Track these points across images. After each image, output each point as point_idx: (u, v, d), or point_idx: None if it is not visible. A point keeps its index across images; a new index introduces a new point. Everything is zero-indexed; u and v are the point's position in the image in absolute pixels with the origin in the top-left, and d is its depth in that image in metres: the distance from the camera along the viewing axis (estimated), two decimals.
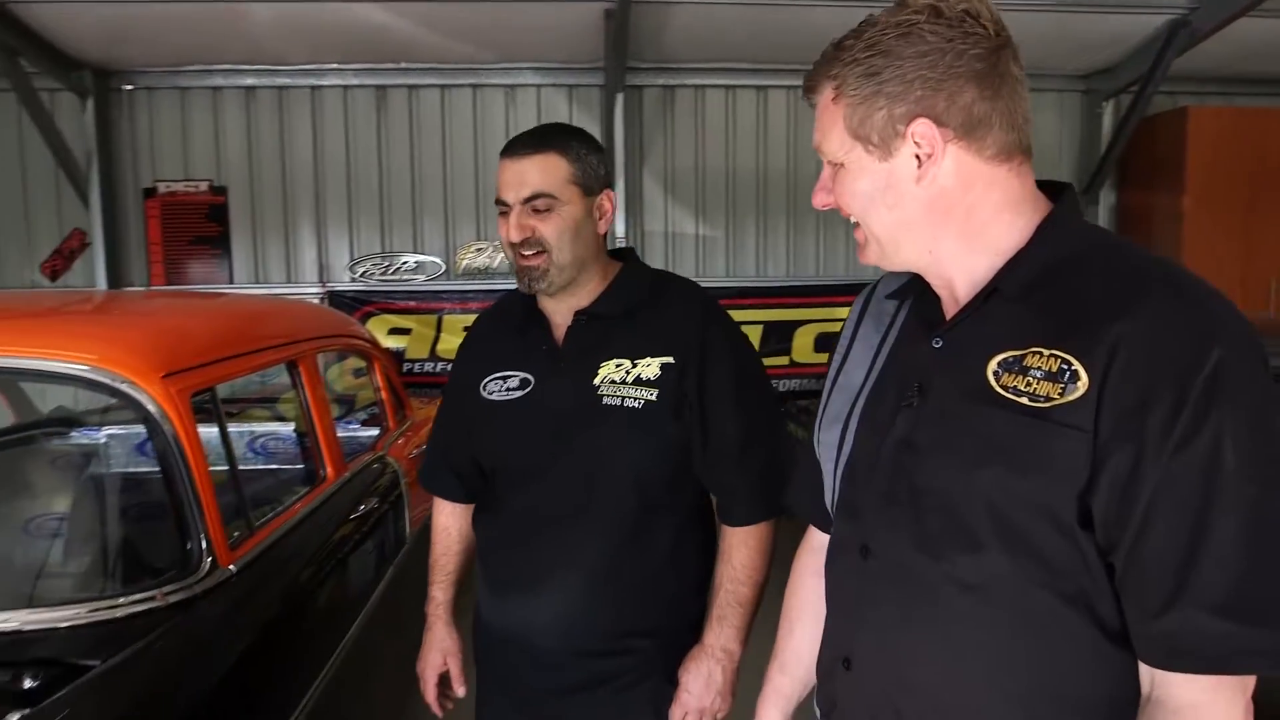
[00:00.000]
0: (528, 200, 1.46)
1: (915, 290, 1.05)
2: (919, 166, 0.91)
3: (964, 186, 0.92)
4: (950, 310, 0.98)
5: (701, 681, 1.51)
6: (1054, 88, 6.02)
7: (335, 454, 2.62)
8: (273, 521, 2.09)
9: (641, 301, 1.56)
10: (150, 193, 5.76)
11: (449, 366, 5.80)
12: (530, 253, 1.47)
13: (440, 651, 1.71)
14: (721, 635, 1.52)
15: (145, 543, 1.87)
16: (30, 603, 1.59)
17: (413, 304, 5.80)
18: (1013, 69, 0.91)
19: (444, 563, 1.75)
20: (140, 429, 1.90)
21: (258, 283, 5.80)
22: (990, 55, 0.89)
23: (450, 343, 5.80)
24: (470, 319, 5.71)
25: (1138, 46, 5.38)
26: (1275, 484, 0.80)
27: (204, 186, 5.77)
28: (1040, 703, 0.90)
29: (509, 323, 1.65)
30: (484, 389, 1.60)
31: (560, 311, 1.56)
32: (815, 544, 1.25)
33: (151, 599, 1.62)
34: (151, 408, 1.74)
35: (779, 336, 5.82)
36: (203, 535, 1.75)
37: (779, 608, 1.29)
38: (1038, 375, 0.86)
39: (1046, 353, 0.86)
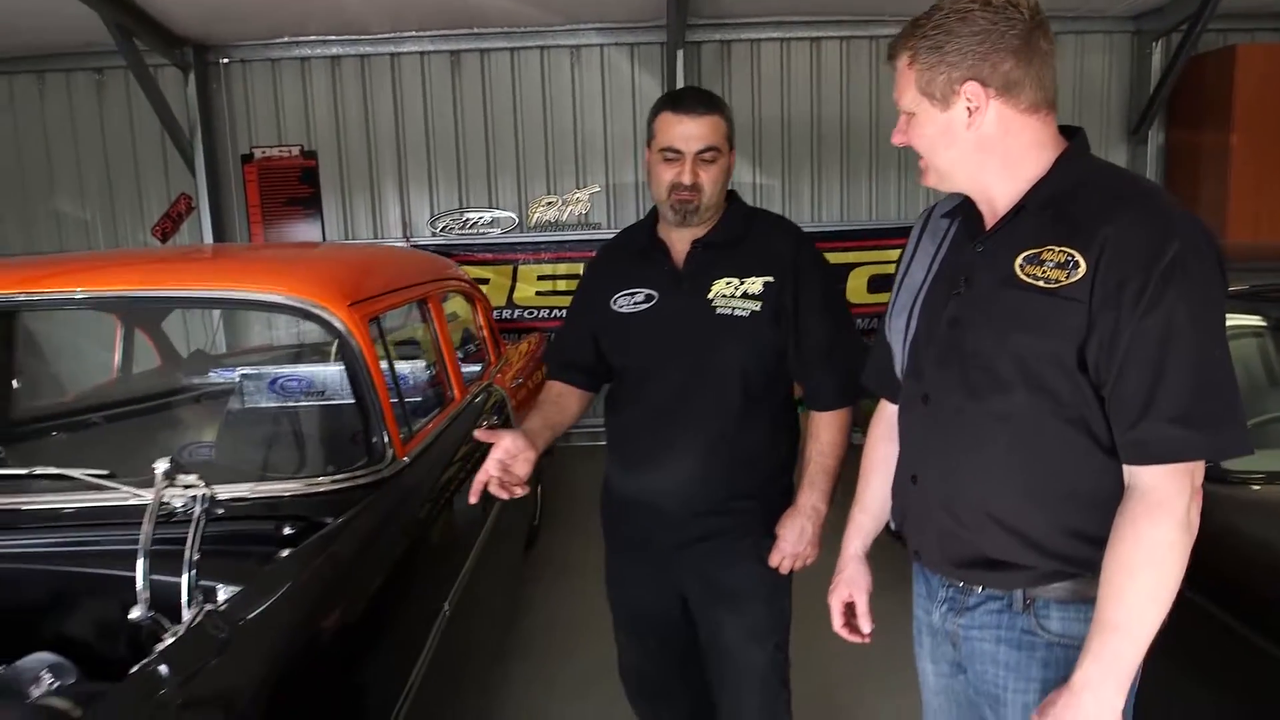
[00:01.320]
0: (699, 152, 1.85)
1: (963, 211, 1.41)
2: (969, 116, 1.27)
3: (1002, 131, 1.27)
4: (989, 223, 1.34)
5: (795, 533, 1.91)
6: (1103, 29, 6.16)
7: (459, 379, 3.05)
8: (424, 429, 2.53)
9: (745, 232, 1.94)
10: (248, 159, 6.24)
11: (524, 313, 6.24)
12: (688, 193, 1.85)
13: (515, 447, 1.79)
14: (812, 497, 1.91)
15: (344, 437, 2.31)
16: (263, 478, 2.03)
17: (489, 256, 6.22)
18: (1042, 44, 1.26)
19: (548, 410, 2.03)
20: (334, 348, 2.33)
21: (347, 240, 6.26)
22: (1025, 35, 1.24)
23: (525, 291, 6.22)
24: (543, 269, 6.15)
25: None
26: (1213, 339, 1.16)
27: (296, 151, 6.23)
28: (1054, 499, 1.28)
29: (632, 251, 2.04)
30: (613, 304, 1.99)
31: (682, 240, 1.95)
32: (885, 414, 1.63)
33: (354, 478, 2.06)
34: (342, 329, 2.18)
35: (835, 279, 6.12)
36: (385, 432, 2.19)
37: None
38: (1050, 265, 1.22)
39: (1057, 249, 1.22)
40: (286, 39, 6.01)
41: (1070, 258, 1.20)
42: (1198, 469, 1.17)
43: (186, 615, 1.49)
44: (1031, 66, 1.26)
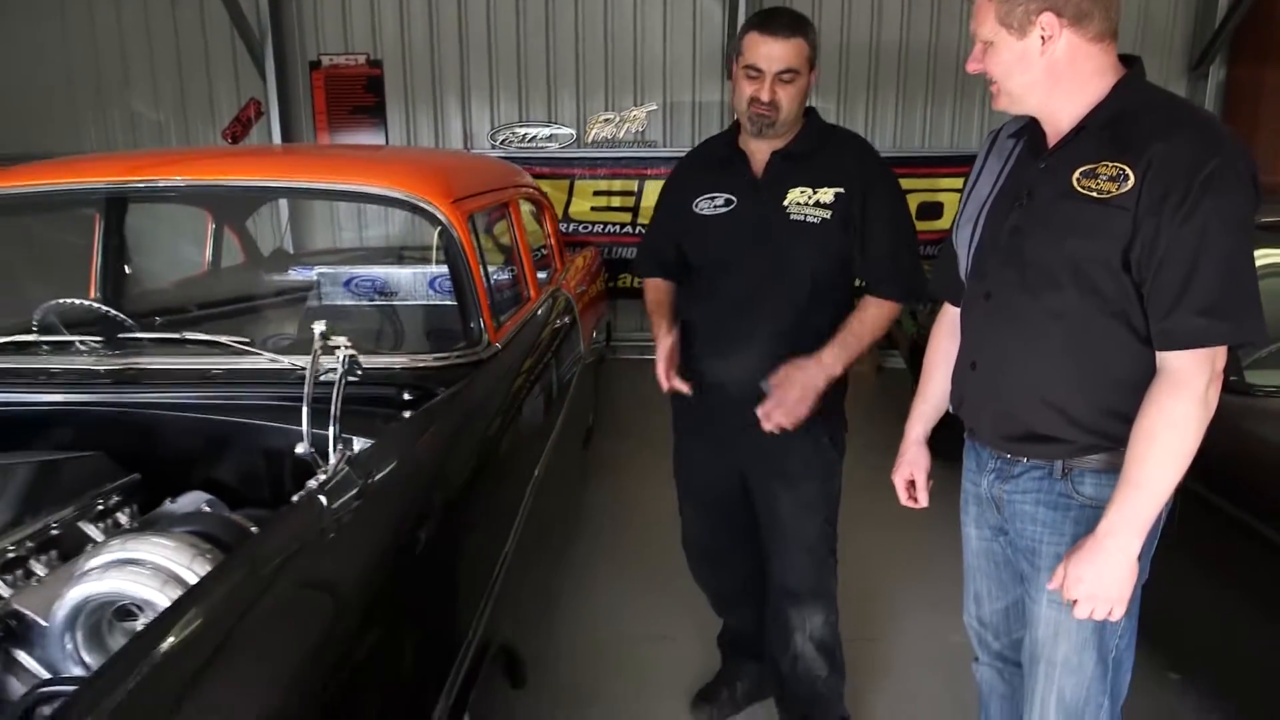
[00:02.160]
0: (779, 73, 2.02)
1: (1028, 132, 1.59)
2: (1043, 44, 1.44)
3: (1070, 58, 1.44)
4: (1052, 142, 1.52)
5: (797, 390, 2.03)
6: None
7: (535, 280, 3.28)
8: (509, 321, 2.77)
9: (820, 146, 2.12)
10: (315, 65, 6.42)
11: (579, 228, 6.42)
12: (766, 109, 2.03)
13: (670, 344, 2.18)
14: (832, 350, 2.06)
15: (448, 322, 2.55)
16: (381, 353, 2.29)
17: (547, 170, 6.38)
18: None
19: (666, 308, 2.31)
20: (438, 241, 2.56)
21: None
22: None
23: (581, 205, 6.40)
24: (599, 184, 6.31)
25: None
26: (1239, 246, 1.34)
27: (362, 60, 6.38)
28: (1095, 383, 1.48)
29: (712, 160, 2.23)
30: (695, 207, 2.20)
31: (761, 150, 2.13)
32: (947, 316, 1.83)
33: (457, 357, 2.31)
34: (445, 222, 2.40)
35: None
36: (480, 319, 2.43)
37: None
38: (1104, 178, 1.40)
39: (1110, 164, 1.40)
40: None
41: (1121, 171, 1.39)
42: (1219, 355, 1.37)
43: (333, 458, 1.75)
44: (1099, 1, 1.42)
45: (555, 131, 6.42)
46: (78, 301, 2.41)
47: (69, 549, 1.74)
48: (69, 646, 1.39)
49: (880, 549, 3.42)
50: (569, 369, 3.33)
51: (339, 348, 1.82)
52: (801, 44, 2.04)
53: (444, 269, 2.52)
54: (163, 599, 1.37)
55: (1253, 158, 1.39)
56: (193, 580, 1.40)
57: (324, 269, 3.62)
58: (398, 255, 4.55)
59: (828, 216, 2.07)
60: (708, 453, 2.33)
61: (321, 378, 1.86)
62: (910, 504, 1.89)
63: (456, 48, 6.32)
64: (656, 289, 2.38)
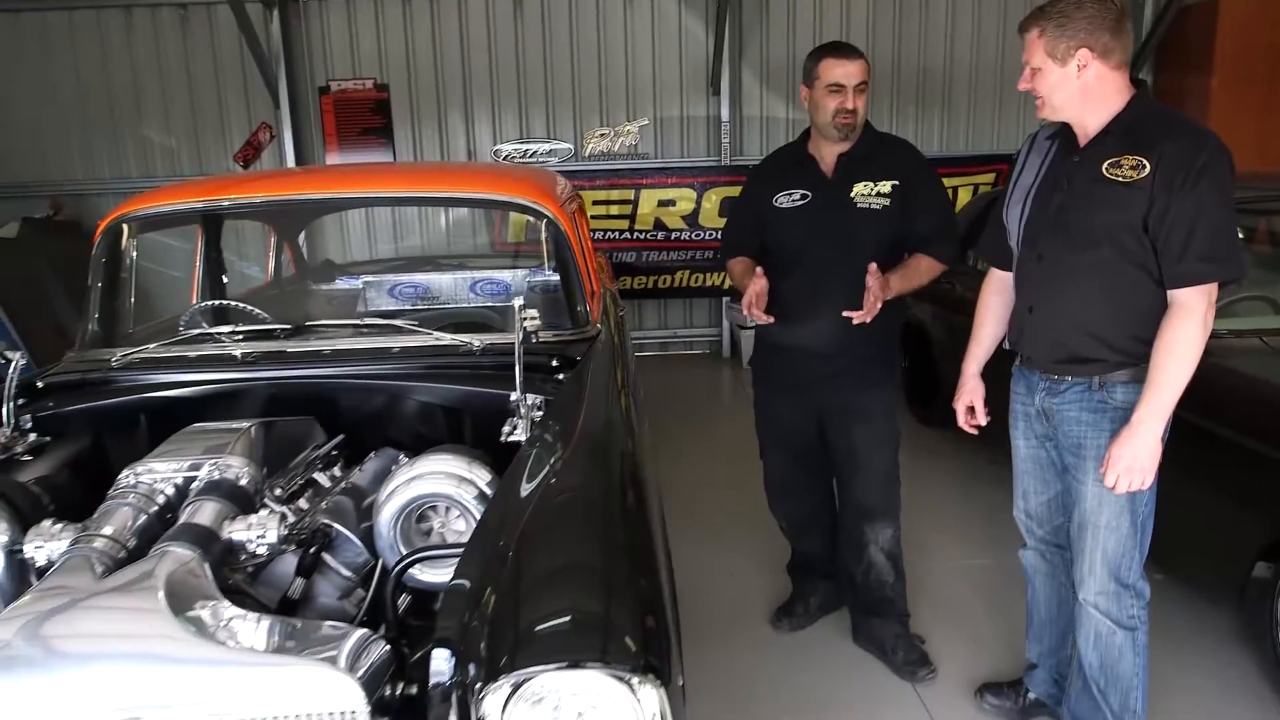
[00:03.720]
0: (856, 85, 2.56)
1: (1062, 136, 2.14)
2: (1079, 72, 1.98)
3: (1098, 82, 1.99)
4: (1082, 143, 2.07)
5: (876, 284, 2.48)
6: None
7: (596, 274, 3.76)
8: (594, 306, 3.24)
9: (877, 149, 2.67)
10: (324, 91, 6.78)
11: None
12: (849, 116, 2.56)
13: (762, 285, 2.58)
14: (895, 277, 2.55)
15: (556, 308, 3.00)
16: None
17: None
18: (1127, 25, 1.98)
19: (750, 265, 2.71)
20: (548, 236, 3.02)
21: None
22: (1117, 19, 1.96)
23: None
24: (597, 194, 6.80)
25: None
26: (1226, 212, 1.91)
27: (369, 84, 6.78)
28: (1124, 316, 2.03)
29: (787, 163, 2.76)
30: (775, 201, 2.71)
31: (829, 154, 2.66)
32: (995, 279, 2.37)
33: (576, 334, 2.77)
34: (555, 220, 2.86)
35: None
36: (587, 303, 2.90)
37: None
38: (1127, 167, 1.95)
39: (1131, 158, 1.95)
40: None
41: (1140, 162, 1.94)
42: (1212, 290, 1.93)
43: (523, 409, 2.20)
44: (1119, 39, 1.98)
45: (554, 147, 6.89)
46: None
47: (304, 492, 2.16)
48: (392, 541, 1.83)
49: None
50: (630, 352, 3.81)
51: (526, 319, 2.29)
52: (864, 62, 2.61)
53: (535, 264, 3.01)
54: (463, 494, 1.82)
55: (1227, 148, 1.96)
56: (477, 479, 1.85)
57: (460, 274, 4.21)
58: (513, 254, 5.03)
59: (887, 204, 2.61)
60: (790, 404, 2.84)
61: (481, 347, 2.36)
62: (969, 428, 2.43)
63: (460, 70, 6.76)
64: (740, 261, 2.85)
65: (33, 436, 2.25)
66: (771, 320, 2.62)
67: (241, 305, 2.83)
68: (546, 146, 6.89)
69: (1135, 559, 2.12)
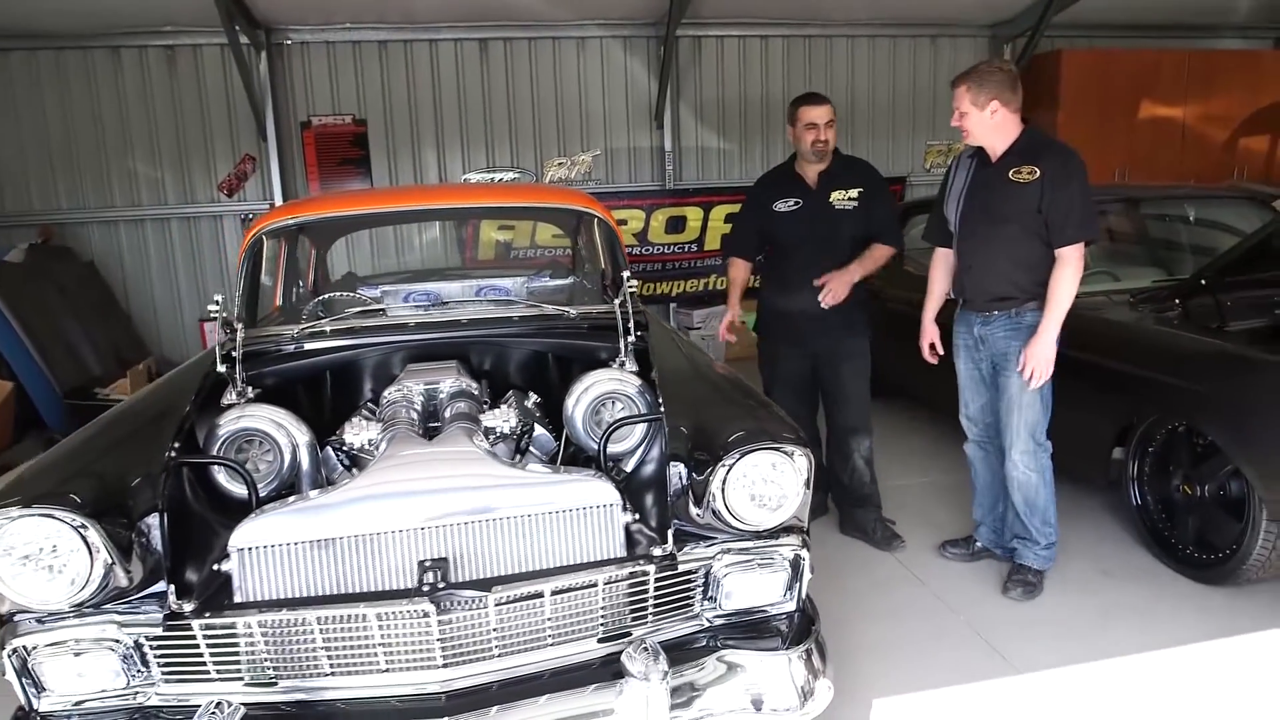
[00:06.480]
0: (826, 122, 3.60)
1: (979, 155, 3.24)
2: (991, 115, 3.08)
3: (1004, 121, 3.10)
4: (993, 159, 3.17)
5: (841, 273, 3.61)
6: (969, 34, 8.26)
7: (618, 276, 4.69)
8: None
9: (846, 167, 3.74)
10: (305, 125, 7.47)
11: (542, 253, 7.77)
12: (822, 144, 3.60)
13: (732, 317, 3.84)
14: (856, 264, 3.64)
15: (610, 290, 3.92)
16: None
17: None
18: (1018, 85, 3.10)
19: (737, 287, 3.85)
20: (602, 234, 3.93)
21: None
22: (1014, 80, 3.09)
23: (544, 234, 7.78)
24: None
25: (1030, 3, 7.67)
26: (1088, 199, 3.04)
27: (348, 119, 7.50)
28: (1028, 267, 3.12)
29: (781, 179, 3.80)
30: (774, 207, 3.74)
31: (812, 171, 3.71)
32: (940, 256, 3.46)
33: (635, 313, 3.70)
34: (606, 223, 3.78)
35: None
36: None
37: None
38: (1025, 173, 3.06)
39: (1027, 167, 3.07)
40: (343, 25, 7.25)
41: (1033, 170, 3.05)
42: (1081, 247, 3.05)
43: (622, 354, 3.11)
44: (1015, 93, 3.10)
45: (518, 175, 7.78)
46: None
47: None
48: (584, 427, 2.70)
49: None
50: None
51: (626, 287, 3.21)
52: (830, 106, 3.67)
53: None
54: (629, 387, 2.71)
55: (1082, 158, 3.09)
56: (632, 382, 2.74)
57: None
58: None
59: (856, 205, 3.68)
60: (790, 350, 3.85)
61: (576, 315, 3.27)
62: (931, 359, 3.50)
63: (431, 106, 7.57)
64: (737, 268, 3.91)
65: (251, 393, 3.00)
66: (734, 339, 3.83)
67: (361, 295, 3.65)
68: (510, 175, 7.77)
69: (1042, 425, 3.21)
